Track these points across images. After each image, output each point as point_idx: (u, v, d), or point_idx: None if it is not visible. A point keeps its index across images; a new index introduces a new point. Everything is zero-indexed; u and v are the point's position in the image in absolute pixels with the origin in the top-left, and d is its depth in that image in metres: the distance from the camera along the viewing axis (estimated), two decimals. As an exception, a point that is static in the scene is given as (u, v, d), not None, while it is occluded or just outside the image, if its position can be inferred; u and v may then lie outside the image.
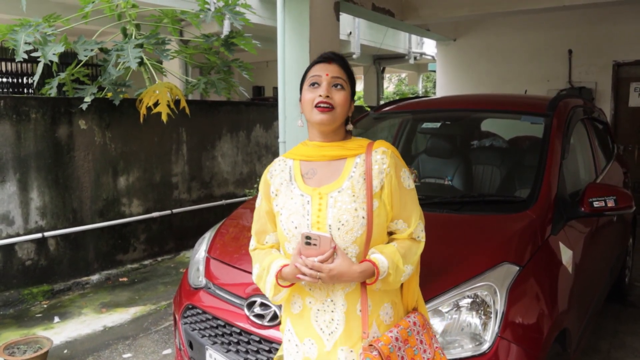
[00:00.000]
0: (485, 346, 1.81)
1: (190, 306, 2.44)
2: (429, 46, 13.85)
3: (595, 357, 3.29)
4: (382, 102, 12.90)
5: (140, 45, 4.99)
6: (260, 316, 2.08)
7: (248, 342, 2.09)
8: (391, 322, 1.54)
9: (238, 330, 2.14)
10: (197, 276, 2.57)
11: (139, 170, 5.42)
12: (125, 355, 3.46)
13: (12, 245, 4.42)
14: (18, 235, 4.47)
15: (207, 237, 2.81)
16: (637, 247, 4.69)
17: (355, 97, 1.63)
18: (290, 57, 4.60)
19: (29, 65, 8.69)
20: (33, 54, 4.52)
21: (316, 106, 1.52)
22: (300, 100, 1.60)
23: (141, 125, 5.27)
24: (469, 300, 1.89)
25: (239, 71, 5.92)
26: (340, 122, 1.57)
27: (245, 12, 5.57)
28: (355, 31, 11.36)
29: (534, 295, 2.07)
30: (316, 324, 1.53)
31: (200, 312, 2.37)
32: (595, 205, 2.50)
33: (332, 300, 1.51)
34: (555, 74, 7.63)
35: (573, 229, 2.55)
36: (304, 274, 1.45)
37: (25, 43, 4.46)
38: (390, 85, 24.42)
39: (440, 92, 8.93)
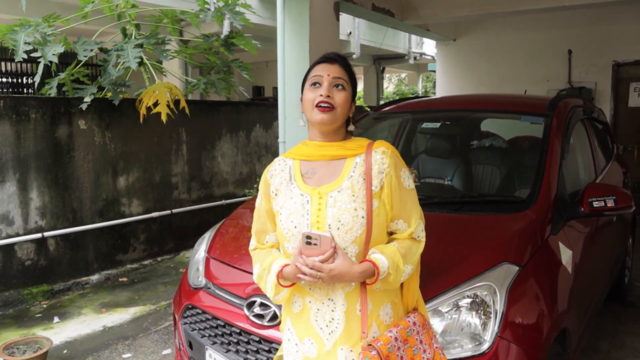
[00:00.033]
0: (485, 346, 1.82)
1: (190, 306, 2.44)
2: (429, 46, 13.85)
3: (595, 357, 3.29)
4: (381, 102, 12.90)
5: (140, 45, 4.98)
6: (260, 316, 2.08)
7: (248, 342, 2.09)
8: (391, 322, 1.55)
9: (238, 330, 2.14)
10: (196, 276, 2.57)
11: (139, 170, 5.42)
12: (125, 355, 3.46)
13: (11, 245, 4.42)
14: (18, 235, 4.46)
15: (207, 237, 2.81)
16: (637, 247, 4.69)
17: (356, 98, 1.63)
18: (290, 57, 4.60)
19: (28, 65, 8.69)
20: (33, 54, 4.51)
21: (317, 106, 1.53)
22: (301, 99, 1.60)
23: (141, 125, 5.27)
24: (469, 300, 1.89)
25: (239, 71, 5.92)
26: (340, 122, 1.57)
27: (245, 12, 5.57)
28: (355, 31, 11.36)
29: (534, 295, 2.07)
30: (316, 324, 1.53)
31: (200, 312, 2.37)
32: (594, 205, 2.50)
33: (332, 300, 1.51)
34: (555, 74, 7.63)
35: (573, 229, 2.55)
36: (304, 274, 1.45)
37: (25, 43, 4.45)
38: (390, 85, 24.44)
39: (440, 92, 8.92)
